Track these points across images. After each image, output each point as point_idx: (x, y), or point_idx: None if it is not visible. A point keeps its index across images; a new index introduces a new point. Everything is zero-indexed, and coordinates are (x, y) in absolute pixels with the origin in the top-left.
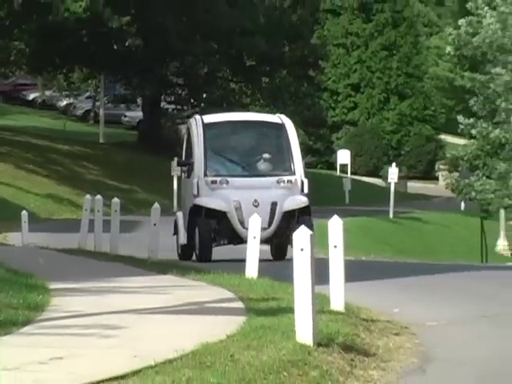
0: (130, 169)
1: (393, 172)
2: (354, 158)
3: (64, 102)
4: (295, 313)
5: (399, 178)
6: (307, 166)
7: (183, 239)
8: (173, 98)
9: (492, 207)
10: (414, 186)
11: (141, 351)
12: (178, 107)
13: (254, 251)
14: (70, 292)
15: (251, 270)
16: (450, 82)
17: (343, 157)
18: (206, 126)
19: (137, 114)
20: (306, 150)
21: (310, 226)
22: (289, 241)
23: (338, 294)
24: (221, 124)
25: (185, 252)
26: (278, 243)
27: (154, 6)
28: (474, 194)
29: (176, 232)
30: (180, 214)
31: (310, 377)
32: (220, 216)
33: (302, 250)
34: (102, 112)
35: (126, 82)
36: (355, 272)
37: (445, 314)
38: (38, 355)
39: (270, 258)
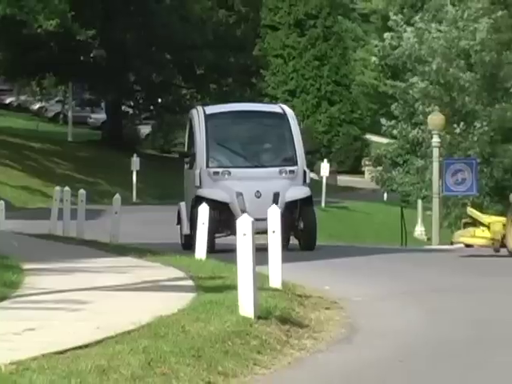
0: (95, 164)
1: (325, 167)
2: None
3: (37, 106)
4: (238, 290)
5: (330, 172)
6: None
7: (186, 229)
8: (132, 102)
9: (411, 198)
10: (343, 180)
11: (103, 323)
12: (137, 110)
13: (202, 236)
14: (41, 272)
15: (200, 252)
16: (375, 89)
17: None
18: (208, 117)
19: (101, 116)
20: None
21: (313, 216)
22: (293, 230)
23: (275, 273)
24: (222, 115)
25: (188, 242)
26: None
27: (116, 21)
28: (395, 186)
29: (179, 222)
30: (183, 205)
31: (251, 345)
32: (222, 207)
33: (244, 234)
34: (70, 114)
35: (91, 88)
36: (292, 253)
37: (369, 291)
38: (13, 327)
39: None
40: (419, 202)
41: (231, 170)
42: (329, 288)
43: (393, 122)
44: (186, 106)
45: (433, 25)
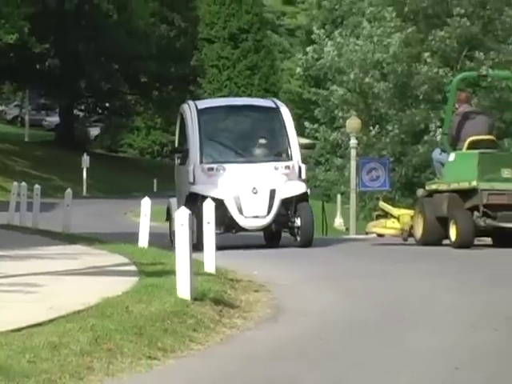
0: (49, 162)
1: None
2: None
3: None
4: (176, 274)
5: None
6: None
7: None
8: (83, 107)
9: (331, 193)
10: None
11: (55, 304)
12: (87, 114)
13: (145, 225)
14: None
15: (143, 241)
16: (299, 96)
17: None
18: (200, 112)
19: (54, 119)
20: None
21: (310, 213)
22: (287, 227)
23: (210, 259)
24: (215, 109)
25: None
26: (275, 230)
27: (69, 34)
28: (318, 182)
29: (168, 218)
30: (173, 201)
31: (188, 324)
32: (217, 204)
33: (182, 225)
34: (27, 117)
35: (46, 93)
36: (225, 242)
37: (293, 276)
38: None
39: (264, 242)
40: (338, 196)
41: (226, 165)
42: (257, 273)
43: (315, 125)
44: (130, 110)
45: (351, 39)
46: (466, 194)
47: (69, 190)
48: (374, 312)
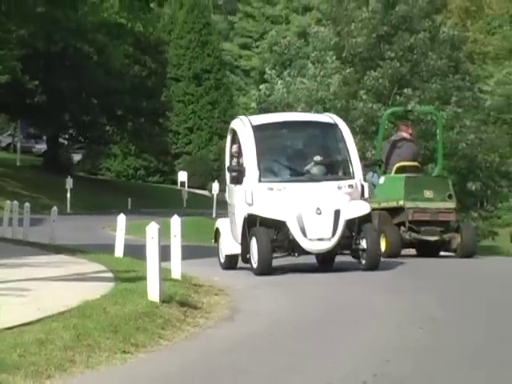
0: (37, 183)
1: (215, 186)
2: (189, 177)
3: None
4: (147, 280)
5: (220, 190)
6: (154, 182)
7: (228, 249)
8: (67, 136)
9: None
10: None
11: (43, 306)
12: (70, 142)
13: (120, 238)
14: None
15: (119, 251)
16: None
17: (182, 176)
18: (256, 128)
19: (42, 146)
20: (154, 172)
21: (376, 234)
22: (350, 250)
23: (176, 267)
24: (271, 125)
25: (231, 262)
26: (336, 253)
27: (55, 73)
28: None
29: (217, 240)
30: (224, 222)
31: (157, 323)
32: (279, 226)
33: (152, 238)
34: (18, 145)
35: (35, 124)
36: (189, 253)
37: (249, 281)
38: None
39: (316, 263)
40: None
41: (286, 184)
42: (217, 279)
43: None
44: (108, 139)
45: (298, 79)
46: (395, 211)
47: (54, 208)
48: (318, 313)
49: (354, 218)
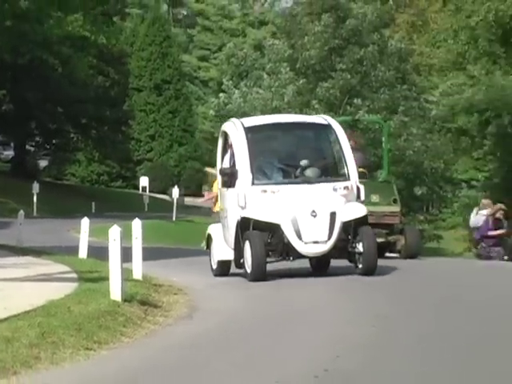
0: (5, 188)
1: (175, 191)
2: (150, 182)
3: None
4: (110, 280)
5: (179, 195)
6: (117, 187)
7: (220, 255)
8: (33, 143)
9: None
10: (189, 200)
11: (9, 305)
12: (37, 149)
13: (84, 240)
14: None
15: (82, 253)
16: (212, 135)
17: (144, 181)
18: (248, 130)
19: (10, 153)
20: (117, 177)
21: (373, 237)
22: (346, 253)
23: (137, 268)
24: (263, 127)
25: (223, 268)
26: (332, 257)
27: (22, 84)
28: None
29: (209, 247)
30: (216, 228)
31: (119, 321)
32: (273, 229)
33: (114, 240)
34: None
35: (2, 132)
36: (150, 254)
37: (207, 281)
38: None
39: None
40: None
41: (280, 187)
42: (176, 279)
43: None
44: (73, 146)
45: (254, 89)
46: None
47: (21, 212)
48: (273, 311)
49: (350, 221)
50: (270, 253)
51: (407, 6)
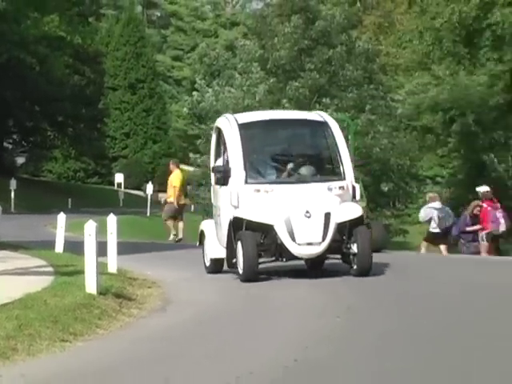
0: None
1: (149, 187)
2: (125, 178)
3: None
4: (85, 274)
5: (153, 191)
6: (93, 183)
7: (213, 253)
8: (11, 141)
9: (210, 210)
10: (163, 196)
11: None
12: (14, 146)
13: (60, 235)
14: None
15: (59, 247)
16: (185, 132)
17: (119, 178)
18: (242, 127)
19: None
20: (92, 174)
21: (368, 238)
22: (340, 254)
23: (112, 262)
24: (257, 124)
25: (216, 266)
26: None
27: (0, 82)
28: (200, 200)
29: (201, 243)
30: (208, 224)
31: (94, 313)
32: (266, 229)
33: (90, 235)
34: None
35: None
36: (125, 249)
37: (180, 275)
38: None
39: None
40: None
41: (274, 186)
42: (150, 273)
43: (198, 155)
44: (50, 143)
45: (226, 88)
46: None
47: None
48: (244, 303)
49: (345, 222)
50: (263, 253)
51: (374, 7)
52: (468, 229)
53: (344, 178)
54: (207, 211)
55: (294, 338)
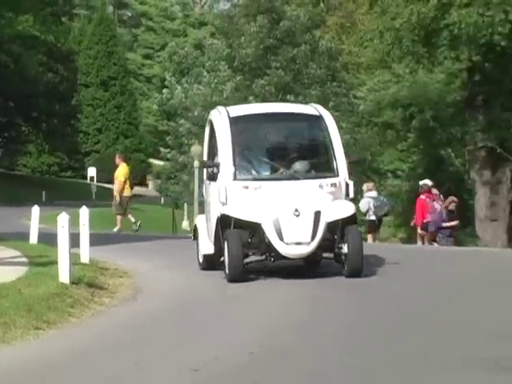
0: None
1: None
2: (98, 172)
3: None
4: (58, 264)
5: None
6: (67, 177)
7: (205, 249)
8: None
9: (179, 201)
10: (135, 189)
11: None
12: None
13: (34, 227)
14: None
15: (33, 238)
16: (156, 128)
17: (92, 171)
18: (233, 120)
19: None
20: (66, 168)
21: (359, 237)
22: (332, 253)
23: (85, 252)
24: (249, 117)
25: (209, 262)
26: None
27: None
28: (169, 193)
29: (196, 237)
30: (202, 219)
31: (67, 302)
32: (254, 228)
33: (63, 226)
34: None
35: None
36: (97, 240)
37: (150, 265)
38: None
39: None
40: (185, 204)
41: (263, 183)
42: (122, 263)
43: (168, 150)
44: (24, 138)
45: (195, 85)
46: None
47: None
48: (213, 292)
49: (337, 221)
50: (251, 252)
51: (337, 8)
52: (444, 224)
53: (337, 175)
54: (176, 204)
55: (261, 325)
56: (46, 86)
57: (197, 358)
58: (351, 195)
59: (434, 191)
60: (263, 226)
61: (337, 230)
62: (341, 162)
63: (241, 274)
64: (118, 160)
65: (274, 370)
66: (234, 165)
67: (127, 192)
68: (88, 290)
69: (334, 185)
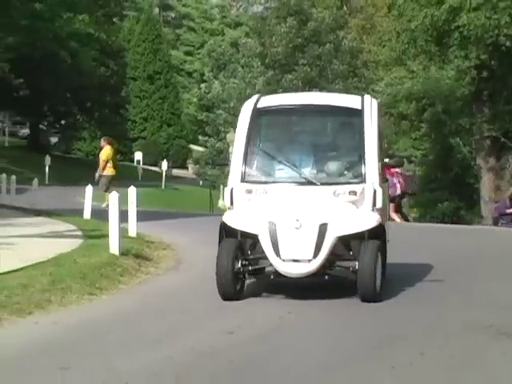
0: (22, 160)
1: (164, 164)
2: (144, 156)
3: None
4: (109, 237)
5: (168, 167)
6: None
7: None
8: (46, 123)
9: (216, 183)
10: (176, 172)
11: (25, 257)
12: (49, 128)
13: (88, 204)
14: None
15: (87, 214)
16: (195, 118)
17: (138, 155)
18: (257, 112)
19: (26, 131)
20: (116, 152)
21: (373, 254)
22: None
23: (132, 227)
24: (277, 110)
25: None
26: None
27: (36, 73)
28: (207, 176)
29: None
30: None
31: (117, 271)
32: (253, 239)
33: (113, 204)
34: (7, 129)
35: (20, 113)
36: (145, 216)
37: (189, 239)
38: None
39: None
40: (221, 186)
41: (268, 186)
42: (165, 237)
43: (206, 137)
44: (79, 125)
45: (231, 79)
46: None
47: (35, 180)
48: None
49: (351, 235)
50: (251, 267)
51: (358, 11)
52: (508, 211)
53: (363, 181)
54: (213, 185)
55: (292, 295)
56: (99, 79)
57: (231, 322)
58: (378, 205)
59: (398, 170)
60: (260, 238)
61: (354, 245)
62: (371, 165)
63: (232, 292)
64: (103, 143)
65: (302, 332)
66: (244, 164)
67: (109, 171)
68: (135, 261)
69: (353, 192)
